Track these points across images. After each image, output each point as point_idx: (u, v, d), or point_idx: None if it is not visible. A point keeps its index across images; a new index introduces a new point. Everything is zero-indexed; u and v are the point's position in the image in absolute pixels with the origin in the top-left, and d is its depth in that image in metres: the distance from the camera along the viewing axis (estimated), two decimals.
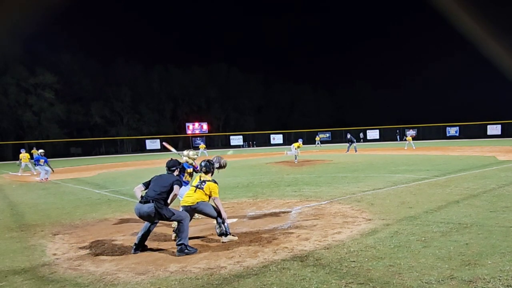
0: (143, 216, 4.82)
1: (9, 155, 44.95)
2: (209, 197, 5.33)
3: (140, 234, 4.97)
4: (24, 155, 20.22)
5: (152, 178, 5.20)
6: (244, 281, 3.70)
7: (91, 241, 5.61)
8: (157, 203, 4.77)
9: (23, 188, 13.78)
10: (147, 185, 5.11)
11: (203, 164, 5.58)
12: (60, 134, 51.65)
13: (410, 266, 3.85)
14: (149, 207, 4.75)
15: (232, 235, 5.33)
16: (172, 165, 5.47)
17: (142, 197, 4.92)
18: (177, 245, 4.75)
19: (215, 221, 5.36)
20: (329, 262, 4.11)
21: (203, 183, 5.35)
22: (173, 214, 4.85)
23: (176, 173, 5.42)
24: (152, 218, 4.84)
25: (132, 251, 4.87)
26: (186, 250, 4.70)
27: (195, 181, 5.52)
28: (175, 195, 5.03)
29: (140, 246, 4.92)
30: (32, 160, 18.54)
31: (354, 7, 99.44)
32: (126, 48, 73.07)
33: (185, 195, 5.47)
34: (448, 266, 3.78)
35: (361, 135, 55.43)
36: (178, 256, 4.63)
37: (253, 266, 4.11)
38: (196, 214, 5.56)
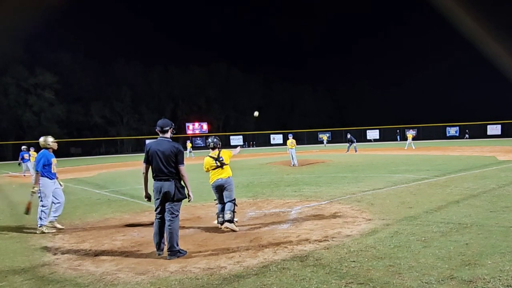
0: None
1: (9, 155, 44.99)
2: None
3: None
4: (32, 154, 20.81)
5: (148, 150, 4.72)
6: (244, 281, 3.70)
7: (91, 241, 5.61)
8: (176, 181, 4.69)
9: (23, 188, 13.78)
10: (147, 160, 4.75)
11: (210, 140, 6.09)
12: (60, 134, 51.52)
13: (410, 266, 3.85)
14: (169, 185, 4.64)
15: (233, 223, 5.82)
16: (165, 124, 4.84)
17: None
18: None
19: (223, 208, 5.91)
20: (329, 262, 4.11)
21: (221, 158, 5.90)
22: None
23: (169, 134, 4.86)
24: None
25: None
26: (178, 253, 4.63)
27: (211, 162, 5.91)
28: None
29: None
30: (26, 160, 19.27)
31: (354, 7, 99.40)
32: (126, 48, 73.22)
33: (213, 174, 5.91)
34: (448, 266, 3.78)
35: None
36: (169, 259, 4.54)
37: (253, 266, 4.10)
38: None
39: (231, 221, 5.77)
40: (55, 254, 5.01)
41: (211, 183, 5.98)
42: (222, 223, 5.87)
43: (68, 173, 20.28)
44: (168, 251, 4.63)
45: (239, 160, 25.39)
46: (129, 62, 60.63)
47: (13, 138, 48.77)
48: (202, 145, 56.34)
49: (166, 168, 4.64)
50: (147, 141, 5.11)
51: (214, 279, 3.79)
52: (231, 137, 59.54)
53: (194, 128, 58.61)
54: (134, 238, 5.71)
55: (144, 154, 4.88)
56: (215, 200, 6.14)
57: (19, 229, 6.67)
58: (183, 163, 4.74)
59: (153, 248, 4.80)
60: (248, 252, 4.66)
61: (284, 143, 53.59)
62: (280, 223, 6.18)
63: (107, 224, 6.82)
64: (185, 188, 4.79)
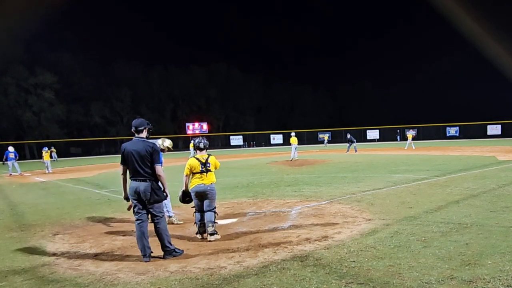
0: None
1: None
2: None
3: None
4: (47, 153, 22.18)
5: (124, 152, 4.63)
6: (244, 281, 3.70)
7: (91, 241, 5.61)
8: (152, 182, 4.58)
9: (23, 188, 13.79)
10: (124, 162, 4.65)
11: (199, 140, 5.60)
12: (60, 134, 51.63)
13: (410, 266, 3.85)
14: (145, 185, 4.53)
15: (217, 234, 5.42)
16: (140, 124, 4.77)
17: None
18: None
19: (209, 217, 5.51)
20: (329, 262, 4.11)
21: (208, 164, 5.46)
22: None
23: (144, 134, 4.76)
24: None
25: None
26: (173, 252, 4.63)
27: (196, 165, 5.41)
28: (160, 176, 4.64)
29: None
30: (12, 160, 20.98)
31: (354, 7, 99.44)
32: (126, 48, 73.19)
33: (195, 179, 5.44)
34: (448, 266, 3.78)
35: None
36: (166, 259, 4.55)
37: (253, 266, 4.10)
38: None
39: (213, 233, 5.38)
40: (55, 254, 5.01)
41: (191, 188, 5.48)
42: (203, 233, 5.47)
43: (68, 173, 20.29)
44: (163, 251, 4.64)
45: (239, 160, 25.39)
46: (129, 62, 60.65)
47: (13, 138, 48.71)
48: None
49: (142, 168, 4.55)
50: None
51: (214, 279, 3.79)
52: (231, 137, 59.54)
53: (194, 128, 58.56)
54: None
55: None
56: (193, 207, 5.64)
57: (19, 229, 6.67)
58: (159, 163, 4.67)
59: (153, 249, 4.79)
60: (248, 252, 4.66)
61: (284, 143, 53.85)
62: (280, 223, 6.18)
63: (107, 224, 6.82)
64: (162, 188, 4.73)
